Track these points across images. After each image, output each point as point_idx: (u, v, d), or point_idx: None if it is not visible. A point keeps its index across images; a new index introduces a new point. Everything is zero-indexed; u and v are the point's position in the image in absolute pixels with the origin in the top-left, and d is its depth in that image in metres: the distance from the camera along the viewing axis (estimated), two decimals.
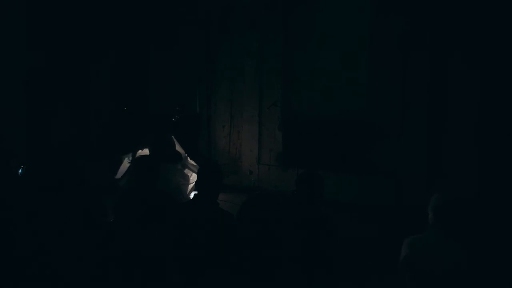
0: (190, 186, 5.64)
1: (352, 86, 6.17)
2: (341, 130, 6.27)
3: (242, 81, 7.23)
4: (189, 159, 6.07)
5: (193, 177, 5.66)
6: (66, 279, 1.86)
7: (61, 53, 7.09)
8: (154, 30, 8.10)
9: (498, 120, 5.03)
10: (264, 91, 6.99)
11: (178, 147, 5.97)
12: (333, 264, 2.51)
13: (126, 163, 5.80)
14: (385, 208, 5.56)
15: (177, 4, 7.75)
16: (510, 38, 4.92)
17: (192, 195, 5.33)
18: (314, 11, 6.49)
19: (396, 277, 2.34)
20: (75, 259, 1.90)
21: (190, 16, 7.64)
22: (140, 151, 5.74)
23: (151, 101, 8.39)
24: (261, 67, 7.01)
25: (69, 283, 1.86)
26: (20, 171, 3.50)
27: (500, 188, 4.90)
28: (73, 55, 7.32)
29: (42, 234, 1.95)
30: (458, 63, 5.26)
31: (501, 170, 4.95)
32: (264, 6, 6.88)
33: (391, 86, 5.78)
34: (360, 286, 3.46)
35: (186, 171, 5.78)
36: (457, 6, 5.23)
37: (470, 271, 2.13)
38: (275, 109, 6.58)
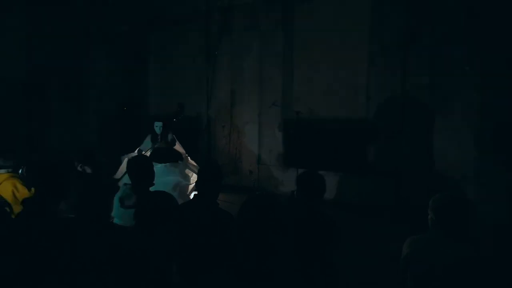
0: (190, 186, 5.63)
1: (352, 86, 6.17)
2: (341, 130, 6.28)
3: (242, 81, 7.24)
4: (189, 159, 6.07)
5: (193, 177, 5.66)
6: (66, 279, 1.87)
7: (61, 53, 7.10)
8: (154, 29, 8.11)
9: (498, 120, 5.03)
10: (264, 91, 6.99)
11: (178, 147, 5.97)
12: (334, 264, 2.51)
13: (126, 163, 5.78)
14: (385, 208, 5.57)
15: (177, 4, 7.76)
16: (510, 38, 4.92)
17: (192, 195, 5.33)
18: (314, 11, 6.49)
19: (396, 277, 2.34)
20: (75, 259, 1.90)
21: (191, 16, 7.65)
22: (142, 152, 5.72)
23: (151, 101, 8.41)
24: (261, 67, 7.01)
25: (68, 283, 1.87)
26: (20, 172, 3.49)
27: (500, 188, 4.90)
28: (73, 55, 7.34)
29: (42, 235, 1.96)
30: (458, 63, 5.26)
31: (501, 170, 4.95)
32: (264, 6, 6.88)
33: (391, 86, 5.78)
34: (360, 286, 3.46)
35: (187, 171, 5.77)
36: (458, 6, 5.24)
37: (471, 272, 2.13)
38: (275, 109, 6.58)
